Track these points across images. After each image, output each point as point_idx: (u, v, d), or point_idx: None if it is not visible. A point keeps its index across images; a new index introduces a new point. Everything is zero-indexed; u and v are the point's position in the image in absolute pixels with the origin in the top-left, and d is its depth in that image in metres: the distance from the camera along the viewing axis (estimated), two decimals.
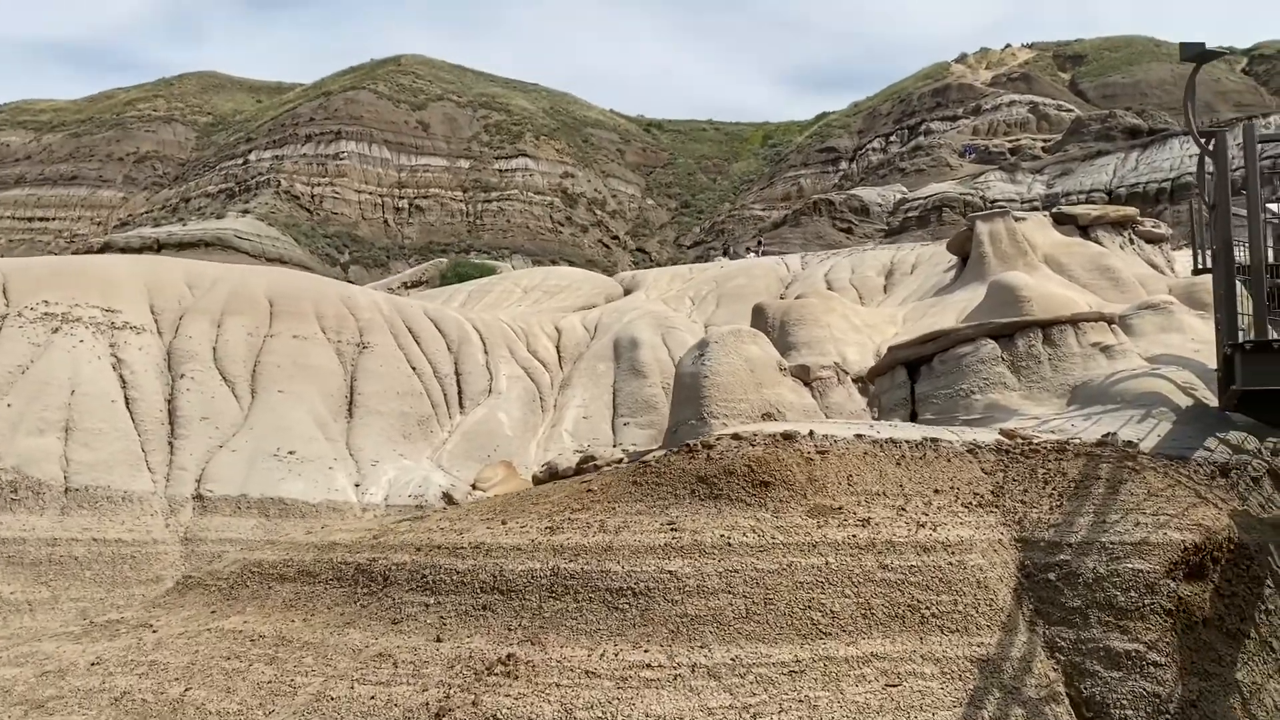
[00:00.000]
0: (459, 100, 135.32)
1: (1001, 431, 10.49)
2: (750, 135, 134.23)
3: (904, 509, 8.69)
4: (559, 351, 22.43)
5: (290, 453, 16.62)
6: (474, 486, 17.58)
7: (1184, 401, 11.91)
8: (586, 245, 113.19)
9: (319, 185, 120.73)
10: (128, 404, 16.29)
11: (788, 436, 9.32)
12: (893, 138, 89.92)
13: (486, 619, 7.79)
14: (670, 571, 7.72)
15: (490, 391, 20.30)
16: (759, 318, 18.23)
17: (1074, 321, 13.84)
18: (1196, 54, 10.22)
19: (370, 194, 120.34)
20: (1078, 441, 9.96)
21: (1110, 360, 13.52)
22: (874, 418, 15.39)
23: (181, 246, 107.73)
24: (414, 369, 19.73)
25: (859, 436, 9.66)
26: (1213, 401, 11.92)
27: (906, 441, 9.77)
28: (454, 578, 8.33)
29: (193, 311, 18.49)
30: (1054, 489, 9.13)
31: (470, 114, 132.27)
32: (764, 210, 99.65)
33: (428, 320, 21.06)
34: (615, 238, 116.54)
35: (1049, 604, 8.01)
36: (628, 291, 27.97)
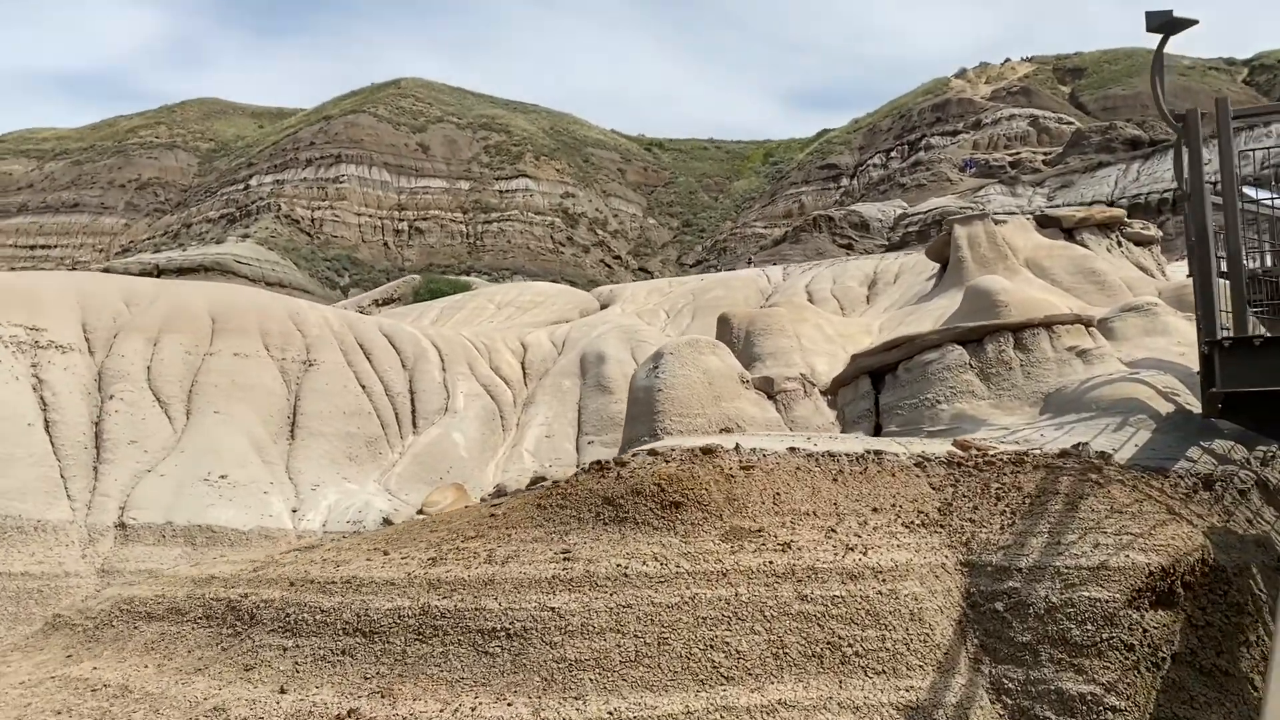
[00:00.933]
0: (459, 122, 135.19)
1: (955, 442, 9.45)
2: (751, 153, 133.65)
3: (834, 530, 7.65)
4: (524, 368, 21.44)
5: (222, 477, 15.63)
6: (420, 511, 16.56)
7: (1165, 408, 10.87)
8: (588, 265, 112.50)
9: (319, 209, 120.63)
10: (47, 427, 15.32)
11: (708, 451, 8.30)
12: (893, 153, 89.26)
13: (343, 665, 6.78)
14: (553, 609, 6.70)
15: (446, 410, 19.30)
16: (724, 328, 17.24)
17: (1048, 324, 12.80)
18: (1163, 23, 9.24)
19: (370, 216, 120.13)
20: (1038, 453, 8.91)
21: (1087, 365, 12.48)
22: (840, 431, 14.38)
23: (181, 271, 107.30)
24: (364, 387, 18.76)
25: (792, 450, 8.63)
26: (1197, 407, 10.87)
27: (846, 455, 8.74)
28: (317, 617, 7.32)
29: (128, 329, 17.56)
30: (1007, 505, 8.09)
31: (470, 135, 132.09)
32: (765, 228, 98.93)
33: (382, 336, 20.10)
34: (617, 257, 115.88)
35: (995, 638, 6.96)
36: (604, 306, 27.01)
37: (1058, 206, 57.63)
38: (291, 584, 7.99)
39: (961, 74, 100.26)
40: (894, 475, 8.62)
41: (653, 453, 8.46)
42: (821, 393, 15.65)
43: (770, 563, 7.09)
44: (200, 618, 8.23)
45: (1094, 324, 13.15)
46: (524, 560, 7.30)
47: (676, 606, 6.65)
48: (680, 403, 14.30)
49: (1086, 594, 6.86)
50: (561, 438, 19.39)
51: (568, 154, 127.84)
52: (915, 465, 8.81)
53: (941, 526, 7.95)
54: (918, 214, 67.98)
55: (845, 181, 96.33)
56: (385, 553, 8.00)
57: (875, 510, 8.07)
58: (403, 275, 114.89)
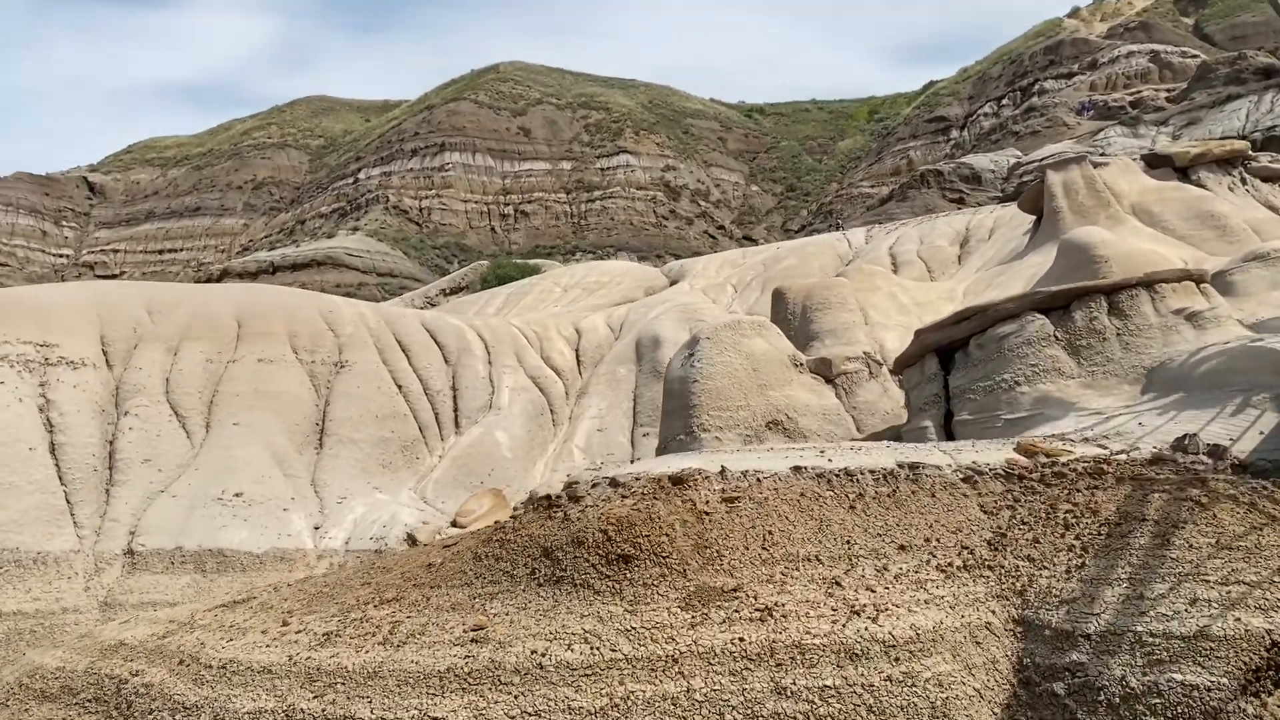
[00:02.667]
0: (558, 103, 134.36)
1: (1018, 447, 7.40)
2: (856, 111, 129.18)
3: (839, 583, 5.79)
4: (578, 355, 19.83)
5: (236, 495, 14.50)
6: (454, 522, 15.16)
7: None
8: (692, 238, 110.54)
9: (426, 198, 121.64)
10: (53, 450, 14.41)
11: (678, 481, 6.50)
12: (1005, 101, 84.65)
13: None
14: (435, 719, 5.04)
15: (491, 407, 17.85)
16: (779, 304, 15.28)
17: (1149, 283, 10.52)
18: None
19: (476, 203, 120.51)
20: (1122, 459, 6.83)
21: (1199, 331, 10.20)
22: (906, 419, 12.35)
23: (295, 268, 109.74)
24: (400, 387, 17.44)
25: (797, 470, 6.75)
26: None
27: (871, 472, 6.82)
28: (177, 719, 5.83)
29: (147, 340, 16.60)
30: (1078, 537, 6.08)
31: (570, 115, 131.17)
32: (872, 187, 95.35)
33: (422, 331, 18.75)
34: (721, 227, 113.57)
35: None
36: (674, 282, 25.18)
37: None
38: (181, 662, 6.58)
39: (1075, 13, 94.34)
40: (933, 496, 6.68)
41: (614, 483, 6.73)
42: (891, 373, 13.61)
43: (741, 639, 5.30)
44: (90, 700, 6.90)
45: (1207, 279, 10.80)
46: (426, 640, 5.69)
47: (598, 715, 4.92)
48: (719, 394, 12.48)
49: (1179, 677, 4.86)
50: (615, 430, 17.74)
51: (667, 127, 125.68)
52: (963, 481, 6.85)
53: (990, 568, 6.00)
54: (1033, 162, 63.87)
55: (955, 134, 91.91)
56: (286, 623, 6.51)
57: (902, 549, 6.17)
58: (510, 259, 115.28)
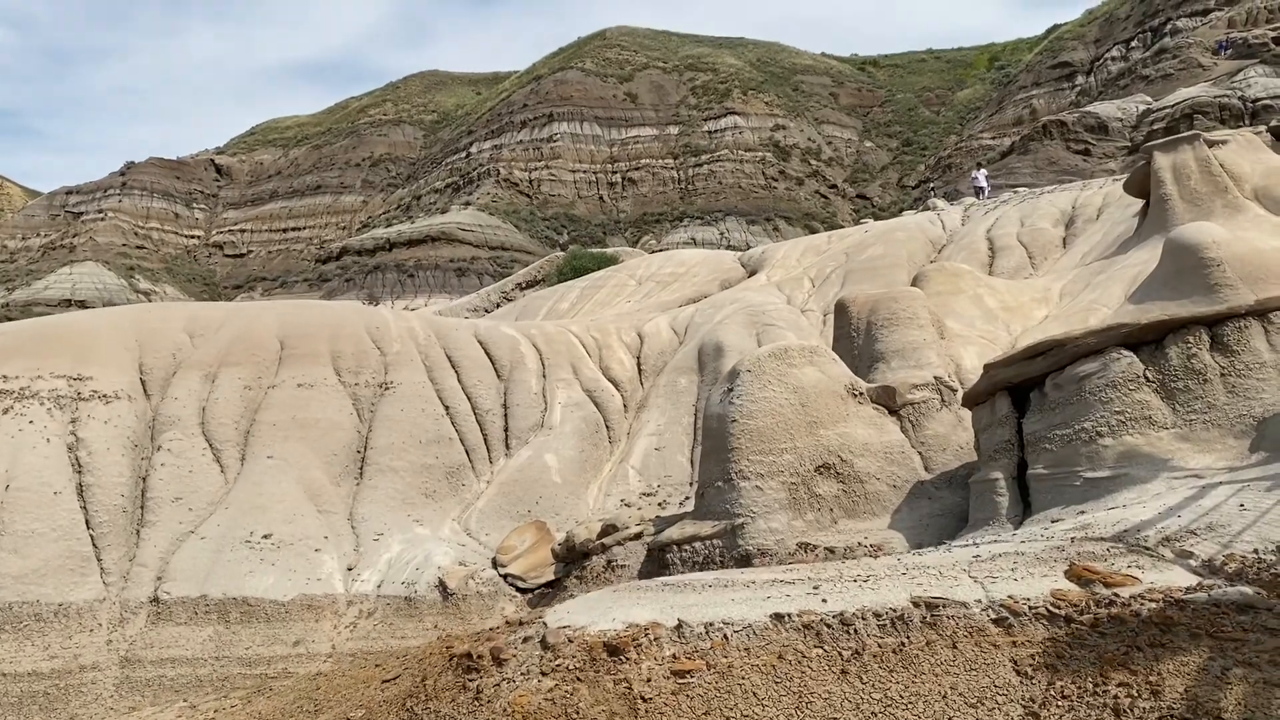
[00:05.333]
0: (665, 66, 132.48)
1: (1070, 570, 5.86)
2: (975, 60, 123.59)
3: None
4: (639, 364, 18.57)
5: (265, 537, 13.79)
6: (495, 560, 14.19)
7: None
8: (803, 198, 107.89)
9: (535, 169, 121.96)
10: (81, 493, 13.92)
11: (613, 651, 5.18)
12: (1134, 43, 79.56)
13: None
14: None
15: (542, 426, 16.80)
16: (841, 318, 13.72)
17: (1262, 312, 8.71)
18: None
19: (584, 172, 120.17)
20: (1202, 600, 5.26)
21: None
22: (977, 468, 10.75)
23: (411, 244, 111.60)
24: (447, 408, 16.51)
25: (778, 620, 5.39)
26: None
27: (876, 616, 5.41)
28: None
29: (186, 366, 16.04)
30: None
31: (676, 79, 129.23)
32: (994, 139, 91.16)
33: (475, 345, 17.78)
34: (833, 186, 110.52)
35: None
36: (752, 273, 23.58)
37: None
38: None
39: None
40: (954, 648, 5.26)
41: (544, 643, 5.47)
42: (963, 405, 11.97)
43: None
44: None
45: None
46: None
47: None
48: (760, 436, 11.11)
49: None
50: (674, 449, 16.49)
51: (776, 85, 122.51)
52: (994, 624, 5.39)
53: None
54: (1164, 108, 59.56)
55: (1081, 80, 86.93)
56: None
57: None
58: (618, 227, 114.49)
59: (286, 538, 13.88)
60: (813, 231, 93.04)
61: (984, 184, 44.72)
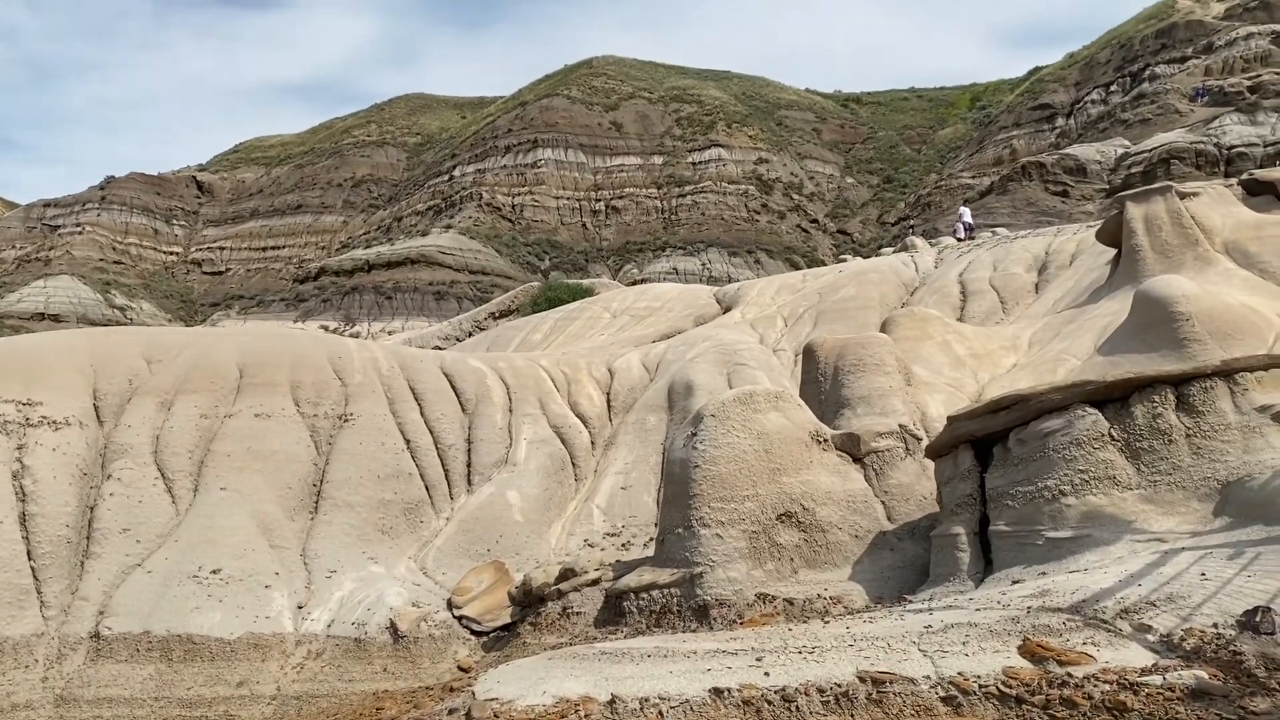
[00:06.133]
0: (650, 97, 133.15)
1: (1023, 647, 5.64)
2: (957, 99, 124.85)
3: None
4: (609, 400, 18.32)
5: (214, 572, 13.41)
6: (450, 602, 13.84)
7: None
8: (784, 232, 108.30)
9: (519, 195, 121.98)
10: (23, 522, 13.50)
11: None
12: (1113, 87, 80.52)
13: None
14: None
15: (506, 462, 16.50)
16: (809, 362, 13.54)
17: (1228, 373, 8.56)
18: None
19: (568, 199, 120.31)
20: (1156, 684, 5.04)
21: None
22: (940, 521, 10.55)
23: (390, 265, 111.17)
24: (409, 442, 16.20)
25: (717, 695, 5.15)
26: None
27: (820, 692, 5.17)
28: None
29: (142, 393, 15.68)
30: None
31: (662, 109, 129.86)
32: (973, 178, 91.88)
33: (440, 377, 17.50)
34: (814, 221, 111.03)
35: None
36: (727, 309, 23.42)
37: None
38: None
39: None
40: None
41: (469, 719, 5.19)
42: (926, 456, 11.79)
43: None
44: None
45: None
46: None
47: None
48: (723, 482, 10.89)
49: None
50: (640, 489, 16.23)
51: (760, 119, 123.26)
52: (943, 702, 5.17)
53: None
54: (1142, 153, 60.26)
55: (1060, 122, 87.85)
56: None
57: None
58: (600, 255, 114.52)
59: (236, 573, 13.51)
60: (793, 264, 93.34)
61: (969, 219, 45.03)
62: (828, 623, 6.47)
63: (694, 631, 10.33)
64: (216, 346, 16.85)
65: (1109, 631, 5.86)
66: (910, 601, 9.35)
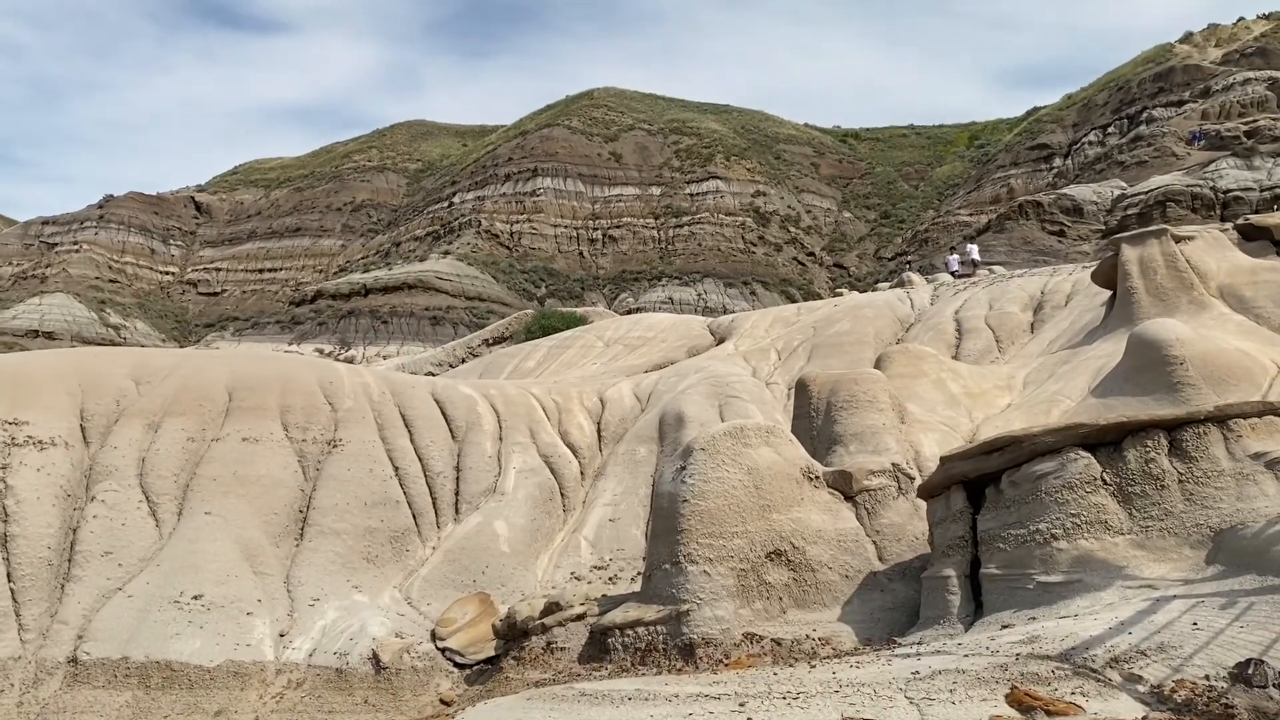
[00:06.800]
0: (650, 128, 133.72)
1: (1010, 696, 5.53)
2: (955, 137, 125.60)
3: None
4: (600, 430, 18.21)
5: (195, 598, 13.24)
6: (434, 633, 13.67)
7: None
8: (780, 264, 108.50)
9: (517, 222, 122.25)
10: (4, 544, 13.35)
11: None
12: (1110, 129, 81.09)
13: None
14: None
15: (495, 491, 16.37)
16: (802, 397, 13.46)
17: (1221, 419, 8.49)
18: None
19: (566, 227, 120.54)
20: None
21: None
22: (931, 563, 10.43)
23: (387, 290, 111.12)
24: (397, 469, 16.07)
25: None
26: None
27: None
28: None
29: (129, 414, 15.56)
30: None
31: (661, 141, 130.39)
32: (970, 215, 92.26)
33: (431, 403, 17.40)
34: (811, 254, 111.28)
35: None
36: (720, 341, 23.36)
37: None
38: None
39: (1187, 38, 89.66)
40: None
41: None
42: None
43: None
44: None
45: None
46: None
47: None
48: (711, 518, 10.77)
49: None
50: (629, 521, 16.09)
51: (758, 152, 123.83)
52: None
53: None
54: (1138, 194, 60.56)
55: (1058, 162, 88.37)
56: None
57: None
58: (597, 284, 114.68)
59: (218, 599, 13.34)
60: (789, 297, 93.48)
61: (977, 257, 45.36)
62: (814, 666, 6.34)
63: (680, 671, 10.18)
64: (206, 368, 16.75)
65: (1098, 681, 5.76)
66: (899, 644, 9.23)
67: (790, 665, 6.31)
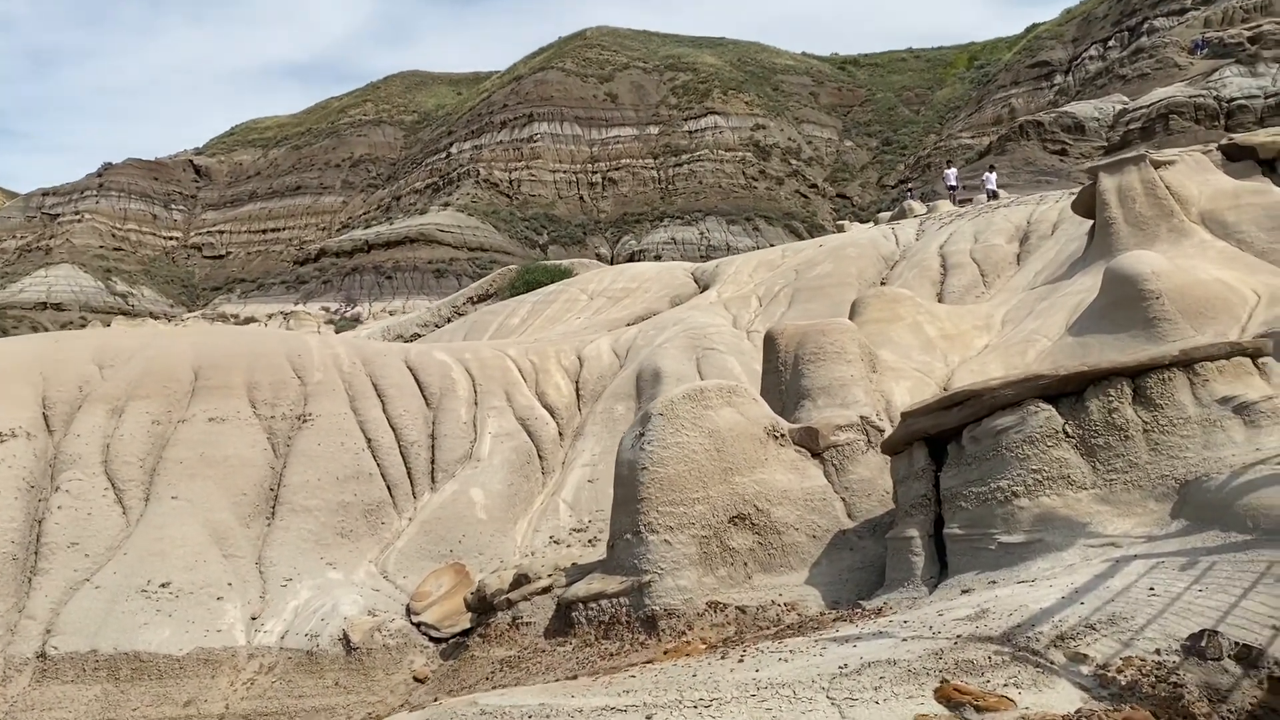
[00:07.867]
0: (645, 66, 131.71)
1: (939, 692, 5.17)
2: (955, 59, 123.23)
3: None
4: (578, 388, 17.85)
5: (163, 586, 13.04)
6: (409, 608, 13.46)
7: None
8: (783, 198, 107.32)
9: (515, 170, 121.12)
10: None
11: None
12: (1111, 43, 79.30)
13: None
14: None
15: (470, 458, 16.08)
16: (770, 351, 13.04)
17: (1187, 363, 8.04)
18: None
19: (565, 172, 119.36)
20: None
21: (1251, 431, 7.73)
22: (896, 522, 10.07)
23: (389, 245, 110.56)
24: (369, 441, 15.78)
25: None
26: None
27: None
28: None
29: (92, 400, 15.27)
30: None
31: (657, 79, 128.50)
32: (973, 138, 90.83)
33: (404, 372, 17.05)
34: (813, 186, 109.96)
35: None
36: (704, 289, 22.86)
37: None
38: None
39: None
40: None
41: None
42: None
43: None
44: None
45: (1267, 352, 8.23)
46: None
47: None
48: (671, 485, 10.43)
49: None
50: (608, 481, 15.63)
51: (756, 85, 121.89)
52: None
53: None
54: (1140, 108, 59.22)
55: (1059, 79, 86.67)
56: None
57: None
58: (598, 228, 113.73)
59: (186, 586, 13.14)
60: (793, 230, 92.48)
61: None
62: (743, 660, 6.00)
63: (643, 645, 9.92)
64: (170, 349, 16.42)
65: (1037, 667, 5.40)
66: (862, 608, 8.93)
67: (713, 662, 5.98)
